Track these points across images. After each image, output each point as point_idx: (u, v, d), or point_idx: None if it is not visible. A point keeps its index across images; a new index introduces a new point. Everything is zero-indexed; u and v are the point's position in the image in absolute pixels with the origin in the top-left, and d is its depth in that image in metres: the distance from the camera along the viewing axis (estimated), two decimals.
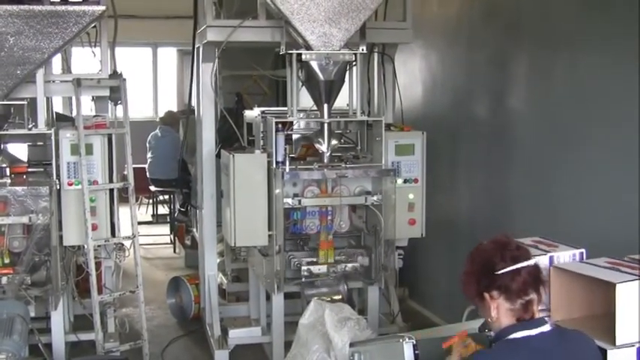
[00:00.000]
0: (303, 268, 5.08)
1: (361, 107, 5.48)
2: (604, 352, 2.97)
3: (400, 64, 6.26)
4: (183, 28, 6.99)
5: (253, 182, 5.03)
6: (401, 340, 3.10)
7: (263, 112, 5.54)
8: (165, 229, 10.45)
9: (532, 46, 5.26)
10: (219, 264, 6.39)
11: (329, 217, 5.14)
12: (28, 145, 5.48)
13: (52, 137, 5.16)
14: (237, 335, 5.73)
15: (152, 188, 10.17)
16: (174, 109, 12.07)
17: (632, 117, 4.17)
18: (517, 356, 2.58)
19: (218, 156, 5.85)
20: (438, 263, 6.66)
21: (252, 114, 5.75)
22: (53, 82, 5.43)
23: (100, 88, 5.48)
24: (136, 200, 6.31)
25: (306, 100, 5.35)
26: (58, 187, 5.18)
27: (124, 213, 5.54)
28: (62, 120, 5.99)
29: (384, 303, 5.94)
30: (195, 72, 6.22)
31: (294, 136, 5.33)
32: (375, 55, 6.01)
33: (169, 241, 10.10)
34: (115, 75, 5.58)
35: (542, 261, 3.35)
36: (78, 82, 5.26)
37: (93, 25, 5.23)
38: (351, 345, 3.75)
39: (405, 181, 5.42)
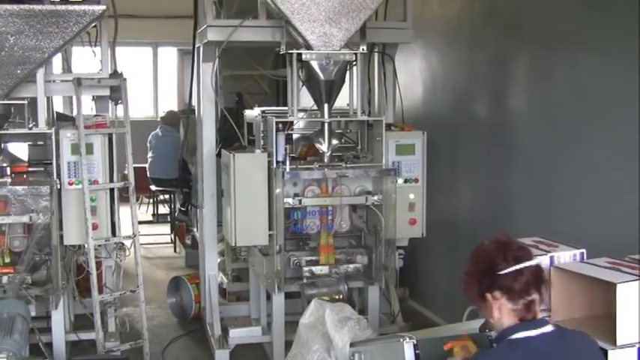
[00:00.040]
0: (305, 269, 5.08)
1: (362, 107, 5.49)
2: (605, 353, 2.97)
3: (400, 63, 6.26)
4: (184, 27, 6.99)
5: (254, 182, 5.04)
6: (401, 340, 3.10)
7: (263, 111, 5.54)
8: (166, 228, 10.45)
9: (532, 46, 5.26)
10: (219, 263, 6.39)
11: (329, 217, 5.14)
12: (29, 145, 5.48)
13: (53, 137, 5.16)
14: (238, 335, 5.73)
15: (153, 188, 10.18)
16: (175, 108, 12.08)
17: (632, 117, 4.17)
18: (516, 356, 2.58)
19: (218, 155, 5.85)
20: (439, 263, 6.66)
21: (252, 114, 5.75)
22: (54, 81, 5.43)
23: (100, 87, 5.48)
24: (137, 200, 6.32)
25: (306, 99, 5.36)
26: (59, 187, 5.17)
27: (124, 212, 5.54)
28: (62, 119, 5.99)
29: (384, 303, 5.94)
30: (196, 72, 6.21)
31: (295, 136, 5.33)
32: (376, 55, 6.01)
33: (170, 241, 10.10)
34: (115, 74, 5.58)
35: (543, 261, 3.35)
36: (78, 82, 5.26)
37: (93, 24, 5.23)
38: (352, 345, 3.75)
39: (406, 181, 5.42)
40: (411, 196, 5.43)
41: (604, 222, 4.44)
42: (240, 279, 6.89)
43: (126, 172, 5.70)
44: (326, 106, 5.04)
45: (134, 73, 9.47)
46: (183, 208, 9.34)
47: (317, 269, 5.09)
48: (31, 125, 5.20)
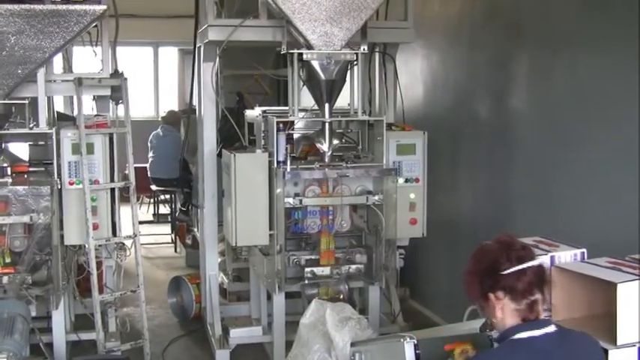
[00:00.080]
0: (306, 269, 5.08)
1: (362, 107, 5.49)
2: (605, 352, 2.97)
3: (401, 63, 6.26)
4: (185, 27, 6.99)
5: (254, 182, 5.04)
6: (402, 340, 3.10)
7: (264, 111, 5.54)
8: (167, 228, 10.45)
9: (532, 47, 5.26)
10: (220, 263, 6.39)
11: (330, 217, 5.15)
12: (29, 145, 5.48)
13: (53, 136, 5.16)
14: (238, 335, 5.73)
15: (153, 187, 10.18)
16: (176, 108, 12.09)
17: (632, 117, 4.17)
18: (519, 356, 2.57)
19: (219, 155, 5.85)
20: (439, 263, 6.66)
21: (253, 113, 5.75)
22: (54, 81, 5.43)
23: (101, 87, 5.48)
24: (137, 200, 6.32)
25: (307, 99, 5.36)
26: (59, 187, 5.17)
27: (125, 212, 5.55)
28: (63, 119, 5.99)
29: (385, 303, 5.95)
30: (197, 71, 6.22)
31: (296, 136, 5.33)
32: (377, 55, 6.01)
33: (170, 241, 10.10)
34: (116, 74, 5.58)
35: (543, 261, 3.34)
36: (79, 82, 5.27)
37: (94, 24, 5.24)
38: (352, 345, 3.75)
39: (407, 181, 5.43)
40: (412, 195, 5.44)
41: (604, 222, 4.44)
42: (240, 279, 6.89)
43: (126, 171, 5.71)
44: (327, 105, 5.04)
45: (135, 73, 9.46)
46: (183, 208, 9.33)
47: (318, 270, 5.10)
48: (31, 125, 5.21)
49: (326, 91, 5.02)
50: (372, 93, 6.15)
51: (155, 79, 14.18)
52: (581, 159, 4.68)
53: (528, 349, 2.58)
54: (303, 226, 5.13)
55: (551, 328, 2.64)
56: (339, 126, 5.39)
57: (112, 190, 5.40)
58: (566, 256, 3.55)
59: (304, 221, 5.12)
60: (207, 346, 6.03)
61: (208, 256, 6.08)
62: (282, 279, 4.98)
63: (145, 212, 11.52)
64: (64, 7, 4.94)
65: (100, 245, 5.48)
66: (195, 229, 8.34)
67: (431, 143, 5.53)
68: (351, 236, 5.42)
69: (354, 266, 5.19)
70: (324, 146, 5.08)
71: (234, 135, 5.98)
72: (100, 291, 5.46)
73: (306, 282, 5.08)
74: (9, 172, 5.22)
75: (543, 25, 5.14)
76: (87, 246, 5.24)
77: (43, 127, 5.21)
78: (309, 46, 4.93)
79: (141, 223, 6.32)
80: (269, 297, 5.44)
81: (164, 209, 11.33)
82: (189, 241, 9.15)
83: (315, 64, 4.94)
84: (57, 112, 6.20)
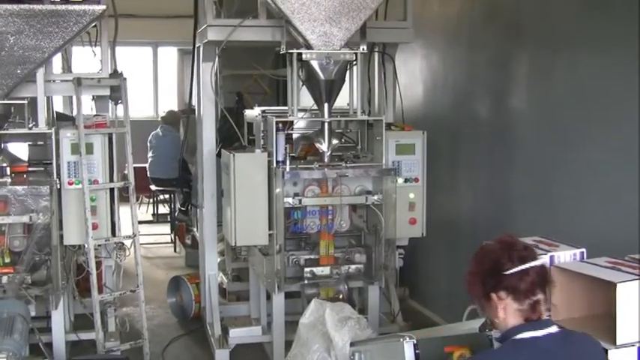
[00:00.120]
0: (306, 269, 5.08)
1: (362, 107, 5.49)
2: (605, 352, 2.97)
3: (401, 63, 6.26)
4: (184, 27, 6.99)
5: (254, 182, 5.04)
6: (401, 340, 3.10)
7: (263, 111, 5.54)
8: (166, 228, 10.45)
9: (532, 47, 5.26)
10: (219, 263, 6.39)
11: (329, 217, 5.15)
12: (29, 145, 5.47)
13: (53, 136, 5.15)
14: (238, 334, 5.73)
15: (153, 187, 10.18)
16: (175, 108, 12.08)
17: (632, 117, 4.17)
18: (522, 356, 2.57)
19: (218, 155, 5.85)
20: (439, 263, 6.66)
21: (252, 113, 5.75)
22: (53, 81, 5.42)
23: (100, 87, 5.48)
24: (137, 199, 6.32)
25: (306, 99, 5.35)
26: (59, 187, 5.17)
27: (124, 212, 5.54)
28: (62, 119, 5.99)
29: (384, 302, 5.95)
30: (196, 71, 6.21)
31: (295, 136, 5.33)
32: (376, 55, 6.01)
33: (170, 241, 10.11)
34: (115, 74, 5.58)
35: (546, 261, 3.35)
36: (78, 82, 5.26)
37: (93, 24, 5.23)
38: (352, 344, 3.75)
39: (406, 181, 5.43)
40: (411, 195, 5.44)
41: (604, 222, 4.44)
42: (240, 279, 6.89)
43: (126, 171, 5.70)
44: (326, 105, 5.04)
45: (134, 73, 9.47)
46: (183, 208, 9.34)
47: (318, 270, 5.10)
48: (31, 125, 5.20)
49: (325, 91, 5.01)
50: (372, 93, 6.15)
51: (154, 79, 14.18)
52: (581, 159, 4.68)
53: (530, 349, 2.57)
54: (303, 225, 5.13)
55: (554, 329, 2.64)
56: (338, 126, 5.39)
57: (112, 190, 5.40)
58: (566, 256, 3.55)
59: (303, 221, 5.12)
60: (207, 346, 6.03)
61: (208, 256, 6.08)
62: (281, 279, 4.98)
63: (145, 212, 11.52)
64: (63, 7, 4.94)
65: (99, 245, 5.47)
66: (195, 229, 8.34)
67: (430, 143, 5.52)
68: (350, 236, 5.42)
69: (353, 266, 5.19)
70: (324, 146, 5.08)
71: (233, 135, 5.98)
72: (100, 291, 5.46)
73: (306, 282, 5.08)
74: (8, 172, 5.21)
75: (543, 25, 5.14)
76: (86, 246, 5.24)
77: (42, 127, 5.21)
78: (309, 46, 4.92)
79: (140, 223, 6.32)
80: (268, 297, 5.44)
81: (163, 209, 11.32)
82: (188, 241, 9.15)
83: (315, 63, 4.94)
84: (56, 112, 6.20)
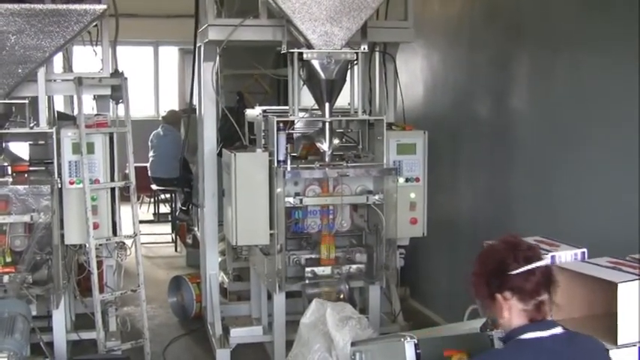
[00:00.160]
0: (307, 269, 5.09)
1: (362, 106, 5.49)
2: (609, 355, 2.97)
3: (402, 63, 6.26)
4: (185, 27, 6.99)
5: (255, 181, 5.04)
6: (402, 340, 3.10)
7: (264, 111, 5.55)
8: (167, 227, 10.45)
9: (532, 47, 5.26)
10: (220, 263, 6.39)
11: (330, 216, 5.15)
12: (30, 144, 5.49)
13: (54, 136, 5.16)
14: (239, 334, 5.73)
15: (154, 187, 10.18)
16: (176, 108, 12.08)
17: (632, 117, 4.17)
18: (526, 356, 2.56)
19: (219, 155, 5.86)
20: (440, 262, 6.66)
21: (253, 113, 5.75)
22: (54, 80, 5.43)
23: (101, 86, 5.48)
24: (138, 199, 6.32)
25: (307, 99, 5.36)
26: (60, 186, 5.18)
27: (125, 212, 5.55)
28: (63, 119, 5.99)
29: (385, 302, 5.95)
30: (197, 71, 6.22)
31: (296, 135, 5.33)
32: (377, 55, 6.00)
33: (171, 240, 10.10)
34: (116, 74, 5.58)
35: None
36: (79, 81, 5.27)
37: (94, 23, 5.24)
38: (353, 344, 3.75)
39: (407, 181, 5.43)
40: (412, 195, 5.44)
41: (605, 222, 4.45)
42: (241, 278, 6.89)
43: (127, 171, 5.71)
44: (327, 105, 5.04)
45: (135, 73, 9.47)
46: (184, 208, 9.34)
47: (319, 270, 5.10)
48: (32, 124, 5.20)
49: (326, 90, 5.02)
50: (373, 92, 6.15)
51: (155, 78, 14.18)
52: (581, 159, 4.68)
53: (535, 350, 2.56)
54: (304, 225, 5.13)
55: (558, 330, 2.63)
56: (339, 125, 5.39)
57: (113, 189, 5.41)
58: (567, 256, 3.55)
59: (304, 221, 5.12)
60: (208, 346, 6.04)
61: (209, 256, 6.08)
62: (282, 278, 4.98)
63: (146, 212, 11.52)
64: (64, 6, 4.94)
65: (100, 244, 5.47)
66: (196, 229, 8.34)
67: (431, 143, 5.53)
68: (351, 236, 5.42)
69: (354, 266, 5.19)
70: (325, 146, 5.08)
71: (234, 134, 5.98)
72: (101, 290, 5.46)
73: (307, 281, 5.08)
74: (9, 172, 5.23)
75: (543, 25, 5.14)
76: (87, 245, 5.24)
77: (43, 126, 5.21)
78: (310, 46, 4.93)
79: (141, 222, 6.32)
80: (269, 296, 5.44)
81: (164, 209, 11.33)
82: (189, 241, 9.15)
83: (316, 63, 4.94)
84: (57, 112, 6.20)
